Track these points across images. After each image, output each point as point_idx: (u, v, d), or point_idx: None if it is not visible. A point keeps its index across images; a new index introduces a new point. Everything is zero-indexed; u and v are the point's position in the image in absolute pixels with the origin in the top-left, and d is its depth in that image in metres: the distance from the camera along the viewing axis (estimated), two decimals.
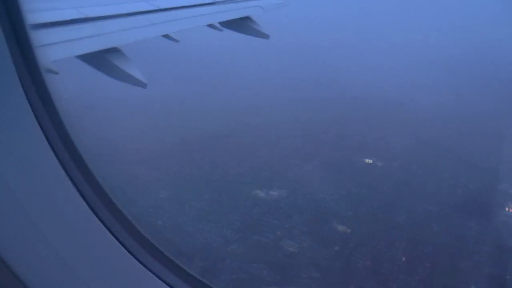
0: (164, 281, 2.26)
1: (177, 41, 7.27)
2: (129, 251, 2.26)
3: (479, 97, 60.73)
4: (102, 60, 6.07)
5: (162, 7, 7.83)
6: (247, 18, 9.16)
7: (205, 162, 40.36)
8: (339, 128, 51.63)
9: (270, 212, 32.02)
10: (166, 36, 7.27)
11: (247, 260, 26.24)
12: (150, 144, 44.99)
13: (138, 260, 2.27)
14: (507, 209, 32.69)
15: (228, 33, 8.80)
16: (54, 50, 5.44)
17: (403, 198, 35.56)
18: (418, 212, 33.27)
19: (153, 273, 2.28)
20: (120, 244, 2.22)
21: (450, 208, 33.78)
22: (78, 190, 2.09)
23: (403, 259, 27.36)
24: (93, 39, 6.11)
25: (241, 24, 9.06)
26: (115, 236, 2.22)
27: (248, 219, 30.90)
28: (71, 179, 2.07)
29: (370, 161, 42.71)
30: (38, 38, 5.39)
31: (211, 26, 8.35)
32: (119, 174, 38.42)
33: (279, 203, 33.50)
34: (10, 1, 1.88)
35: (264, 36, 9.24)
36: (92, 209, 2.14)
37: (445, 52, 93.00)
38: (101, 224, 2.16)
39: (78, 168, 2.15)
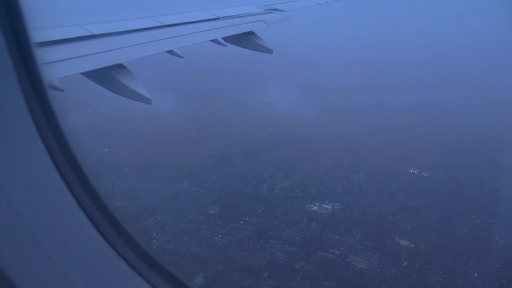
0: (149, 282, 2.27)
1: (181, 57, 7.23)
2: (123, 258, 2.23)
3: None
4: (107, 76, 6.06)
5: (166, 23, 7.82)
6: (250, 33, 9.05)
7: (250, 176, 39.79)
8: (373, 139, 51.13)
9: (329, 226, 31.35)
10: (170, 52, 7.19)
11: (319, 278, 25.53)
12: (180, 158, 44.58)
13: (132, 267, 2.24)
14: None
15: (232, 48, 8.66)
16: (60, 67, 5.43)
17: (458, 210, 34.82)
18: (478, 224, 32.52)
19: (145, 279, 2.26)
20: (115, 252, 2.20)
21: (509, 220, 33.00)
22: (76, 199, 2.10)
23: (475, 274, 26.59)
24: (98, 56, 6.09)
25: (245, 39, 8.96)
26: (109, 242, 2.19)
27: (309, 235, 30.24)
28: (69, 188, 2.08)
29: (415, 171, 42.10)
30: (44, 55, 4.83)
31: (215, 41, 8.25)
32: (163, 190, 37.98)
33: (336, 217, 32.84)
34: (16, 19, 1.90)
35: (268, 50, 9.15)
36: (91, 220, 2.14)
37: (479, 61, 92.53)
38: (96, 230, 2.15)
39: (75, 176, 2.15)
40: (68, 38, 5.99)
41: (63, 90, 5.22)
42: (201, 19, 8.71)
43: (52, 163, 2.01)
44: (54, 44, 5.69)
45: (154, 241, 29.95)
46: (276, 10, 10.78)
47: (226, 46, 8.41)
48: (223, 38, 8.39)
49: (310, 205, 34.59)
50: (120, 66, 6.16)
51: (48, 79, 5.19)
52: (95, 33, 6.40)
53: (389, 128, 55.60)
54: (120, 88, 6.14)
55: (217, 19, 9.01)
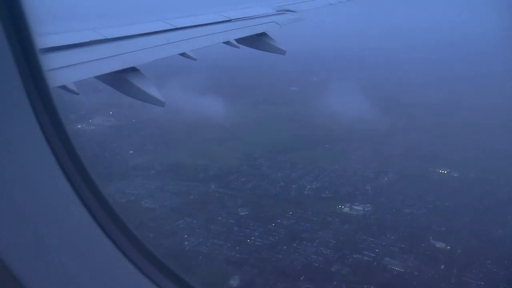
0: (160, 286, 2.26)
1: (194, 59, 7.21)
2: (126, 256, 2.24)
3: None
4: (121, 79, 6.11)
5: (178, 26, 7.82)
6: (263, 34, 8.99)
7: (278, 178, 39.49)
8: (399, 138, 50.38)
9: (362, 228, 30.92)
10: (183, 54, 7.17)
11: (357, 282, 25.12)
12: (205, 160, 44.37)
13: (135, 264, 2.24)
14: None
15: (244, 49, 8.62)
16: (75, 71, 5.51)
17: (493, 211, 34.05)
18: None
19: (149, 278, 2.26)
20: (117, 249, 2.22)
21: None
22: (79, 196, 2.14)
23: None
24: (111, 59, 6.14)
25: (258, 40, 8.94)
26: (112, 240, 2.22)
27: (342, 237, 29.85)
28: (73, 187, 2.12)
29: (445, 171, 41.35)
30: (59, 60, 5.35)
31: (227, 43, 8.22)
32: (190, 191, 37.85)
33: (368, 219, 32.37)
34: (19, 24, 1.95)
35: (281, 52, 9.09)
36: (93, 216, 2.17)
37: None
38: (100, 229, 2.18)
39: (80, 176, 2.17)
40: (82, 42, 6.07)
41: (78, 94, 5.36)
42: (213, 21, 8.70)
43: (57, 164, 2.06)
44: (68, 49, 5.76)
45: (186, 243, 29.90)
46: (288, 11, 10.71)
47: (239, 47, 8.38)
48: (235, 39, 8.37)
49: (341, 206, 34.17)
50: (133, 69, 6.21)
51: (63, 83, 5.28)
52: (108, 37, 6.47)
53: (414, 127, 54.84)
54: (134, 91, 6.18)
55: (229, 21, 8.98)
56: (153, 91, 6.22)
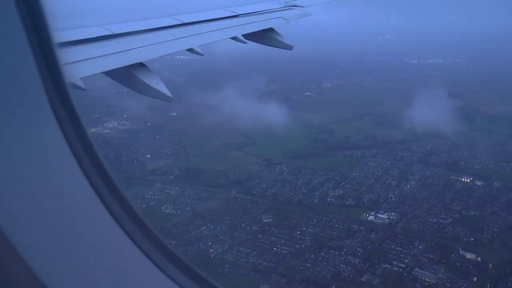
0: (177, 282, 2.23)
1: (201, 54, 7.18)
2: (141, 250, 2.20)
3: None
4: (128, 75, 6.13)
5: (185, 21, 7.79)
6: (270, 30, 8.94)
7: (300, 184, 39.05)
8: (418, 145, 49.84)
9: (389, 237, 30.39)
10: (190, 50, 7.15)
11: None
12: (224, 165, 43.99)
13: (150, 258, 2.20)
14: None
15: (252, 45, 8.64)
16: (82, 66, 5.50)
17: None
18: None
19: (165, 273, 2.23)
20: (133, 244, 2.19)
21: None
22: (96, 192, 2.12)
23: None
24: (119, 55, 6.14)
25: (265, 36, 8.89)
26: (128, 235, 2.18)
27: (370, 246, 29.33)
28: (91, 184, 2.12)
29: (468, 179, 40.70)
30: (67, 55, 5.12)
31: (234, 38, 8.20)
32: (211, 197, 37.46)
33: (394, 228, 31.84)
34: (39, 20, 1.96)
35: (288, 47, 9.04)
36: (109, 210, 2.15)
37: None
38: (116, 224, 2.16)
39: (98, 174, 2.17)
40: (90, 38, 6.05)
41: (85, 89, 5.32)
42: (220, 17, 8.64)
43: (75, 161, 2.07)
44: (76, 44, 5.76)
45: (211, 250, 29.51)
46: (295, 6, 10.62)
47: (246, 43, 8.35)
48: (243, 35, 8.31)
49: (366, 214, 33.69)
50: (141, 65, 6.20)
51: (71, 79, 4.98)
52: (116, 33, 6.44)
53: (432, 133, 54.02)
54: (141, 86, 6.16)
55: (237, 16, 8.92)
56: (160, 87, 6.18)
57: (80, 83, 5.31)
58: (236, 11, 9.05)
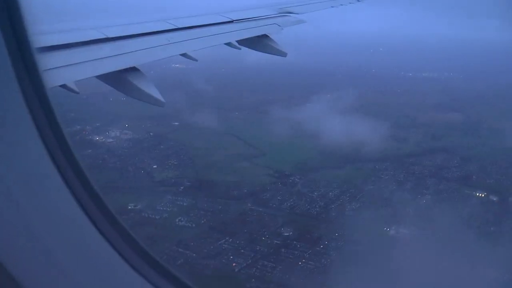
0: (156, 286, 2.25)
1: (195, 60, 7.28)
2: (121, 256, 2.23)
3: None
4: (121, 79, 6.16)
5: (180, 26, 7.87)
6: (264, 36, 9.08)
7: (315, 197, 38.52)
8: (430, 158, 49.81)
9: (415, 254, 29.89)
10: (184, 55, 7.24)
11: None
12: (235, 177, 43.35)
13: (129, 263, 2.22)
14: None
15: (245, 51, 8.74)
16: (75, 70, 5.53)
17: None
18: None
19: (144, 277, 2.24)
20: (113, 249, 2.21)
21: None
22: (74, 195, 2.14)
23: None
24: (112, 59, 6.20)
25: (259, 42, 9.02)
26: (108, 240, 2.20)
27: (397, 262, 28.80)
28: (68, 185, 2.13)
29: (482, 194, 40.66)
30: (60, 58, 5.42)
31: (229, 44, 8.32)
32: (226, 210, 36.71)
33: (417, 244, 31.41)
34: (16, 22, 1.95)
35: (282, 54, 9.16)
36: (88, 215, 2.17)
37: None
38: (96, 229, 2.18)
39: (76, 176, 2.18)
40: (83, 41, 6.06)
41: (78, 93, 5.32)
42: (215, 22, 8.73)
43: (53, 164, 2.06)
44: (69, 48, 5.75)
45: (234, 264, 28.72)
46: (290, 13, 10.76)
47: (240, 49, 8.43)
48: (237, 41, 8.40)
49: (387, 229, 33.27)
50: (134, 69, 6.23)
51: (63, 82, 5.28)
52: (109, 36, 6.46)
53: (444, 146, 54.00)
54: (134, 91, 6.20)
55: (231, 22, 9.00)
56: (153, 91, 6.20)
57: (73, 86, 5.38)
58: (230, 17, 9.12)
